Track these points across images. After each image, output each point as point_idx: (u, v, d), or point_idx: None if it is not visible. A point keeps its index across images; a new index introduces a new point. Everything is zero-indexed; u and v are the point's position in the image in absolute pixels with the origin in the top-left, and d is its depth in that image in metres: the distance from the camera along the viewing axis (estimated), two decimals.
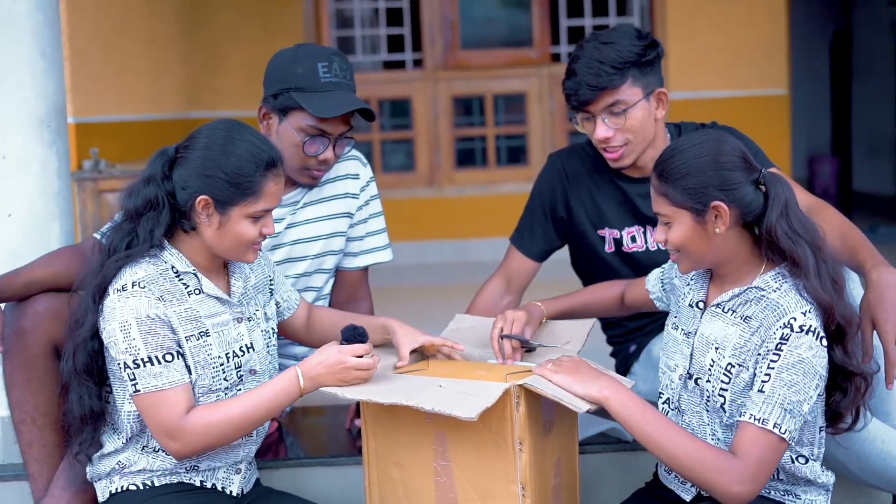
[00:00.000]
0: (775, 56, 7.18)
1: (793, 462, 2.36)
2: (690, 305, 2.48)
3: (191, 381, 2.43)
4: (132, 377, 2.38)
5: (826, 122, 10.41)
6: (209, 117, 7.53)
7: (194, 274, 2.48)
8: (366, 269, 3.22)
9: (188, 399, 2.40)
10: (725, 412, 2.34)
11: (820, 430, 2.37)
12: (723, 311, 2.39)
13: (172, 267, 2.46)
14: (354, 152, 3.14)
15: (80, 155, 5.11)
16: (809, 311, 2.28)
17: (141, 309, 2.37)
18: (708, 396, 2.38)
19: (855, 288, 2.61)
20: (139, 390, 2.38)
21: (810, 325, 2.27)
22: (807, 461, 2.37)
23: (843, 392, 2.36)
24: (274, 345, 2.65)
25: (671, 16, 7.21)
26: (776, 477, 2.38)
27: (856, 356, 2.35)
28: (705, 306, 2.45)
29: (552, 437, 2.50)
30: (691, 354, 2.43)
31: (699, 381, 2.40)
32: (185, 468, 2.50)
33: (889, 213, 8.01)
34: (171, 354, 2.39)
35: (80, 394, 2.47)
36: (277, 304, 2.73)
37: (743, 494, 2.25)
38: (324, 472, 2.99)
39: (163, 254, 2.46)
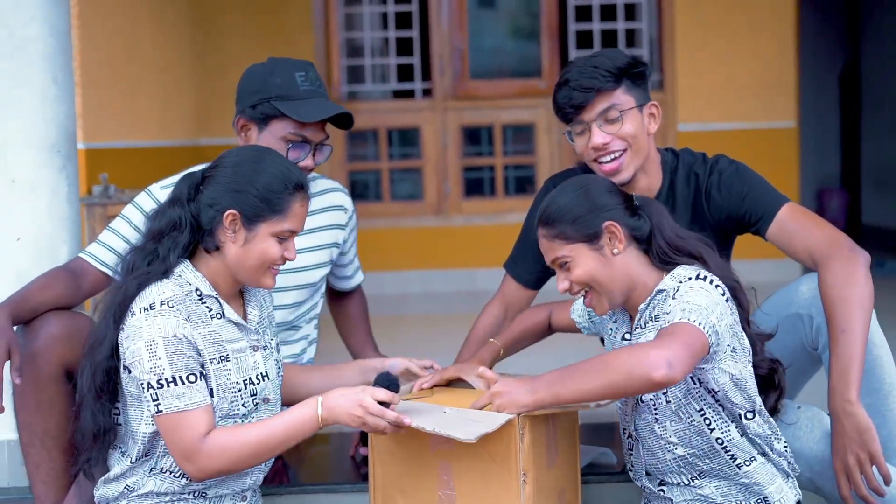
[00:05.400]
0: (784, 88, 7.19)
1: (741, 419, 2.42)
2: (623, 339, 2.57)
3: (212, 404, 2.43)
4: (155, 398, 2.37)
5: (835, 155, 10.41)
6: (219, 144, 7.56)
7: (216, 298, 2.48)
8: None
9: (209, 421, 2.39)
10: (671, 403, 2.40)
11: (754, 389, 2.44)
12: (643, 328, 2.47)
13: (197, 290, 2.46)
14: (339, 184, 3.22)
15: (89, 180, 5.13)
16: (704, 273, 2.39)
17: (168, 328, 2.37)
18: (654, 405, 2.44)
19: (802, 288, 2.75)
20: (161, 410, 2.37)
21: (703, 275, 2.38)
22: (754, 415, 2.43)
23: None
24: (282, 377, 2.65)
25: (680, 48, 7.23)
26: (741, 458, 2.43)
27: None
28: (631, 335, 2.53)
29: (555, 468, 2.50)
30: None
31: (643, 398, 2.47)
32: (193, 494, 2.50)
33: None
34: (195, 375, 2.38)
35: (95, 410, 2.46)
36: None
37: (660, 359, 2.22)
38: (327, 500, 2.98)
39: (187, 275, 2.46)
